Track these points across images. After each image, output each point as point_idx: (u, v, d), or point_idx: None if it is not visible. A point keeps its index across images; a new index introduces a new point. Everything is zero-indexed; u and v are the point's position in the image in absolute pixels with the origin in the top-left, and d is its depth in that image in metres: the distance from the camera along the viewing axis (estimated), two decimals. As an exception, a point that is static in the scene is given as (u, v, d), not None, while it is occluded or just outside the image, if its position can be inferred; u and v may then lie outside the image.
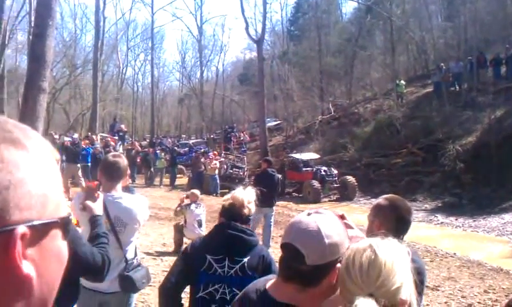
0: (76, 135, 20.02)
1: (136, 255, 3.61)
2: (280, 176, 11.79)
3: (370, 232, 2.57)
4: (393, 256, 1.31)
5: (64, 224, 0.65)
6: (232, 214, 2.83)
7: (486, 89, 21.69)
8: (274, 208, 10.75)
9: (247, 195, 2.90)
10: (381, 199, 2.76)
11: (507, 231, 13.07)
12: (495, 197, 15.70)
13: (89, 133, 23.31)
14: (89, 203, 2.71)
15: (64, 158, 18.45)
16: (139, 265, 3.53)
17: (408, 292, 1.28)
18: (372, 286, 1.26)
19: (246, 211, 2.85)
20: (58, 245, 0.65)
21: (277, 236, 11.01)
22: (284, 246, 1.55)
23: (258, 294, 1.68)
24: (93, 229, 2.56)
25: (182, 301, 2.92)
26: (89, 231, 3.14)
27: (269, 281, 1.69)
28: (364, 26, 34.82)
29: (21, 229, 0.58)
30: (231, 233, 2.75)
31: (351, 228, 1.80)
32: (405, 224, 2.64)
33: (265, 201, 10.28)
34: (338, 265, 1.45)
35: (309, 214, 1.56)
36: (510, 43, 23.94)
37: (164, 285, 2.92)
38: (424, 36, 32.08)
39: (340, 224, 1.58)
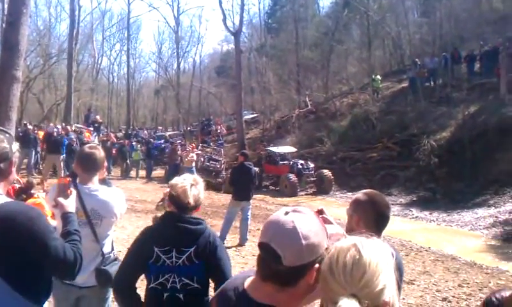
0: (59, 126, 19.79)
1: (112, 249, 3.57)
2: (256, 169, 11.81)
3: (349, 227, 2.59)
4: (378, 256, 1.29)
5: None
6: (178, 204, 2.86)
7: (460, 85, 22.02)
8: (251, 201, 10.77)
9: (190, 184, 2.91)
10: (360, 194, 2.75)
11: (479, 225, 13.30)
12: (468, 192, 15.94)
13: (63, 124, 22.96)
14: (61, 199, 2.66)
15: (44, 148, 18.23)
16: (116, 259, 3.49)
17: (390, 293, 1.27)
18: (356, 286, 1.24)
19: (190, 200, 2.86)
20: None
21: (254, 230, 11.02)
22: (261, 246, 1.52)
23: (236, 293, 1.64)
24: (64, 226, 2.51)
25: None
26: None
27: (247, 279, 1.66)
28: (341, 20, 34.91)
29: None
30: (177, 225, 2.79)
31: (330, 223, 1.78)
32: (384, 220, 2.66)
33: (242, 194, 10.33)
34: (317, 265, 1.43)
35: (287, 213, 1.51)
36: (484, 40, 24.34)
37: (116, 280, 2.97)
38: (400, 31, 32.32)
39: (319, 223, 1.54)
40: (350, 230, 2.54)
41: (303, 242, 1.43)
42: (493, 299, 1.91)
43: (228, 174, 10.99)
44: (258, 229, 11.46)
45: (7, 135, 2.23)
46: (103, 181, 3.65)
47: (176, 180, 2.95)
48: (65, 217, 2.59)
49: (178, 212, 2.85)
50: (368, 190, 2.85)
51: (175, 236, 2.77)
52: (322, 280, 1.36)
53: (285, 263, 1.43)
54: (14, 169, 2.27)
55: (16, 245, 2.04)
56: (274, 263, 1.46)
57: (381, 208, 2.64)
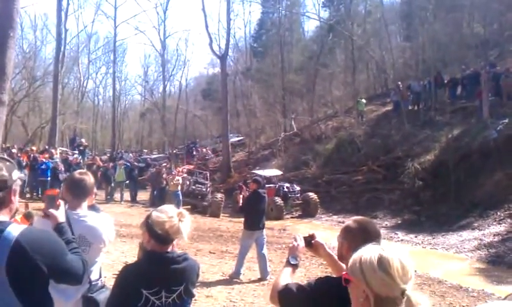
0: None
1: (100, 276, 3.51)
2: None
3: (340, 253, 2.58)
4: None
5: None
6: (164, 241, 2.72)
7: (443, 108, 22.29)
8: (264, 231, 9.89)
9: (178, 220, 2.71)
10: (350, 222, 2.72)
11: (464, 248, 13.32)
12: (453, 215, 15.99)
13: (47, 147, 22.76)
14: (52, 211, 2.66)
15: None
16: (103, 286, 3.42)
17: None
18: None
19: (185, 238, 2.72)
20: None
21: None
22: None
23: None
24: (61, 237, 2.51)
25: None
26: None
27: None
28: (326, 44, 35.39)
29: None
30: (164, 266, 2.69)
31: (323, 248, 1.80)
32: None
33: (256, 224, 9.53)
34: None
35: None
36: (466, 64, 24.74)
37: None
38: (384, 55, 32.79)
39: None
40: (340, 257, 2.56)
41: None
42: None
43: (243, 202, 10.13)
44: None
45: (7, 163, 2.23)
46: (91, 207, 3.62)
47: (161, 217, 2.72)
48: (59, 227, 2.60)
49: (161, 251, 2.71)
50: (359, 217, 2.83)
51: (164, 277, 2.68)
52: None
53: None
54: (15, 198, 2.27)
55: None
56: None
57: (371, 236, 2.61)
